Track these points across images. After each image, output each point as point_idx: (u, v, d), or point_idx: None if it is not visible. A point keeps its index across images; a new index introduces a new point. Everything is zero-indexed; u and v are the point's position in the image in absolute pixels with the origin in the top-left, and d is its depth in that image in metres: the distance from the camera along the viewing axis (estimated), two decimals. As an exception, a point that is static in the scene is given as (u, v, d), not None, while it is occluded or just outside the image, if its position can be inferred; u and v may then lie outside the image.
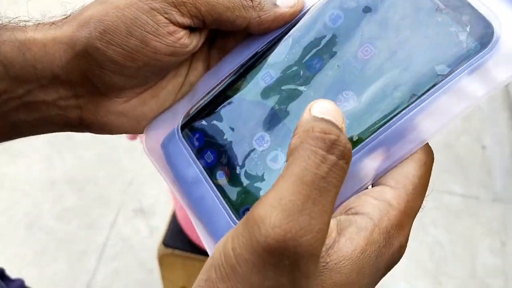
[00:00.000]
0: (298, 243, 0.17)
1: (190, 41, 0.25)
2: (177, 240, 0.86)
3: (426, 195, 0.22)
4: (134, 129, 0.28)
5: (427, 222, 1.26)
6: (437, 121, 0.22)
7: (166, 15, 0.24)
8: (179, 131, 0.27)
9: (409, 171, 0.22)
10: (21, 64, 0.24)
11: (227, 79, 0.27)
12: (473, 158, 1.40)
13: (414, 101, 0.22)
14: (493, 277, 1.18)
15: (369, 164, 0.22)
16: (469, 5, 0.22)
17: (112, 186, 1.31)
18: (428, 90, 0.22)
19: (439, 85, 0.22)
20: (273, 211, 0.17)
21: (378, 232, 0.20)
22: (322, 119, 0.19)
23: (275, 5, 0.25)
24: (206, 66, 0.28)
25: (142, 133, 0.28)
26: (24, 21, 0.25)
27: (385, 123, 0.22)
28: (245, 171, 0.25)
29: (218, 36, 0.27)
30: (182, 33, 0.24)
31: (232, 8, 0.24)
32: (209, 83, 0.28)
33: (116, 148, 1.38)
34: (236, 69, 0.27)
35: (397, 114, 0.22)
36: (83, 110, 0.26)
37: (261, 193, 0.24)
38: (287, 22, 0.26)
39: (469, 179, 1.35)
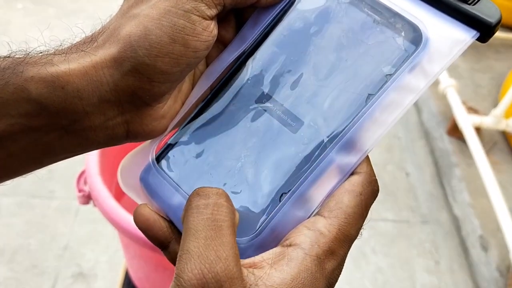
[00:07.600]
0: (215, 273, 0.20)
1: (216, 29, 0.26)
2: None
3: (364, 224, 0.24)
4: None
5: (368, 251, 1.32)
6: (392, 113, 0.25)
7: (198, 13, 0.25)
8: (155, 162, 0.28)
9: (343, 202, 0.24)
10: (62, 98, 0.23)
11: (192, 109, 0.29)
12: (400, 185, 1.50)
13: (371, 99, 0.25)
14: (432, 295, 1.24)
15: (340, 158, 0.25)
16: (399, 14, 0.26)
17: (46, 253, 1.23)
18: (381, 88, 0.25)
19: (388, 83, 0.25)
20: (187, 261, 0.20)
21: (310, 260, 0.22)
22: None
23: None
24: None
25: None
26: (42, 52, 0.24)
27: (352, 121, 0.25)
28: (227, 189, 0.26)
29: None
30: (212, 24, 0.26)
31: None
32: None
33: (46, 213, 1.31)
34: (200, 97, 0.29)
35: (359, 112, 0.25)
36: (129, 124, 0.26)
37: (241, 205, 0.26)
38: None
39: (398, 205, 1.44)
